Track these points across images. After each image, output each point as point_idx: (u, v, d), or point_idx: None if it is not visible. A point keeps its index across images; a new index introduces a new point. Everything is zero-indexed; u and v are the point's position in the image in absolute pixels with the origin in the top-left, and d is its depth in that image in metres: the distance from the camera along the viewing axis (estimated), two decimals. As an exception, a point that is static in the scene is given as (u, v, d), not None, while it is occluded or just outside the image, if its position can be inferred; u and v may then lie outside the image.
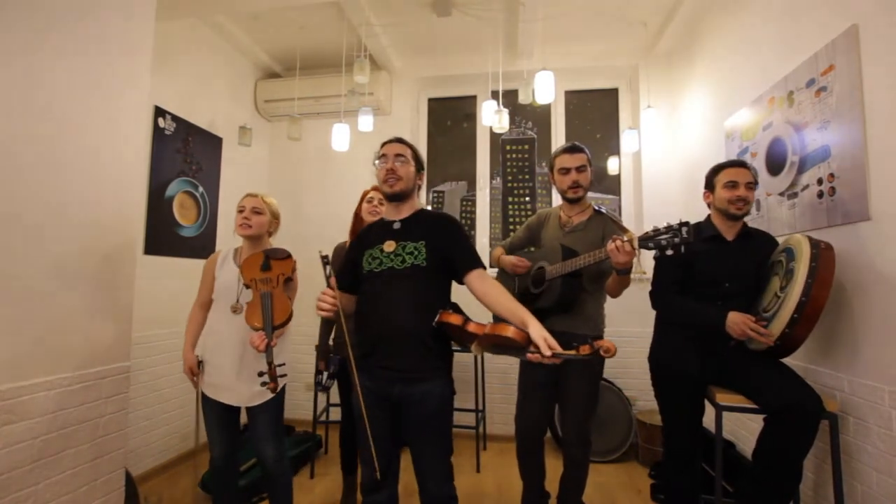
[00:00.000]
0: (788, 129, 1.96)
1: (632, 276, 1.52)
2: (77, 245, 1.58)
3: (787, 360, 1.83)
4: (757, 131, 2.22)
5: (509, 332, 1.23)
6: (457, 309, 1.42)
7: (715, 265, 1.74)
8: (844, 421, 1.63)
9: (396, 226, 1.53)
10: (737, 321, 1.60)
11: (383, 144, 1.55)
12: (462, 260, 1.47)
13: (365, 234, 1.63)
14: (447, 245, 1.48)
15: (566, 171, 1.87)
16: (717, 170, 1.81)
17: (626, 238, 1.50)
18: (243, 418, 1.79)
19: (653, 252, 1.50)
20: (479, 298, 1.44)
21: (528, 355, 1.23)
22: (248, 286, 1.69)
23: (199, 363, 1.80)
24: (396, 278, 1.44)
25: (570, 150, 1.87)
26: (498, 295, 1.40)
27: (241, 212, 1.83)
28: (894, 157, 1.44)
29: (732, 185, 1.73)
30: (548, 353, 1.19)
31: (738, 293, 1.72)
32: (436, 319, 1.38)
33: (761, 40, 2.23)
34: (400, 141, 1.56)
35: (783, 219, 2.00)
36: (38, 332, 1.45)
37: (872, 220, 1.52)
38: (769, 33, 2.16)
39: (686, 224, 1.41)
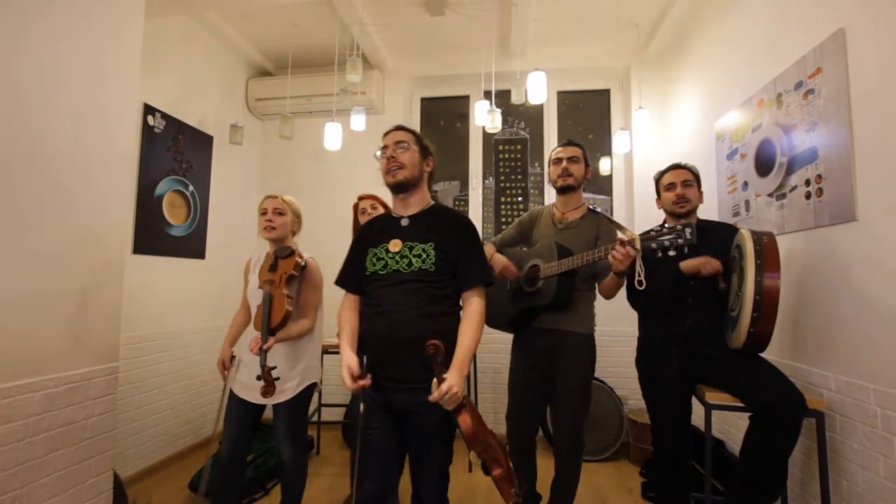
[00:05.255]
0: (777, 130, 1.99)
1: (639, 279, 1.45)
2: (64, 244, 1.55)
3: (774, 359, 1.85)
4: (746, 133, 2.24)
5: (465, 425, 1.26)
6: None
7: (674, 265, 1.76)
8: (831, 418, 1.65)
9: (404, 222, 1.42)
10: (694, 263, 1.68)
11: (384, 135, 1.46)
12: (468, 274, 1.38)
13: (367, 228, 1.52)
14: (458, 252, 1.37)
15: (559, 161, 1.94)
16: (658, 177, 1.94)
17: (627, 238, 1.49)
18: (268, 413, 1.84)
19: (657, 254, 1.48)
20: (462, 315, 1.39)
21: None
22: (261, 288, 1.73)
23: (233, 359, 1.89)
24: (402, 283, 1.34)
25: (565, 144, 1.98)
26: (470, 329, 1.34)
27: (263, 214, 1.85)
28: (880, 158, 1.47)
29: (671, 186, 1.86)
30: (435, 396, 1.22)
31: (704, 288, 1.74)
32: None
33: (751, 43, 2.26)
34: (400, 128, 1.46)
35: (772, 219, 2.03)
36: (24, 333, 1.43)
37: (859, 220, 1.54)
38: (758, 36, 2.19)
39: (689, 225, 1.43)
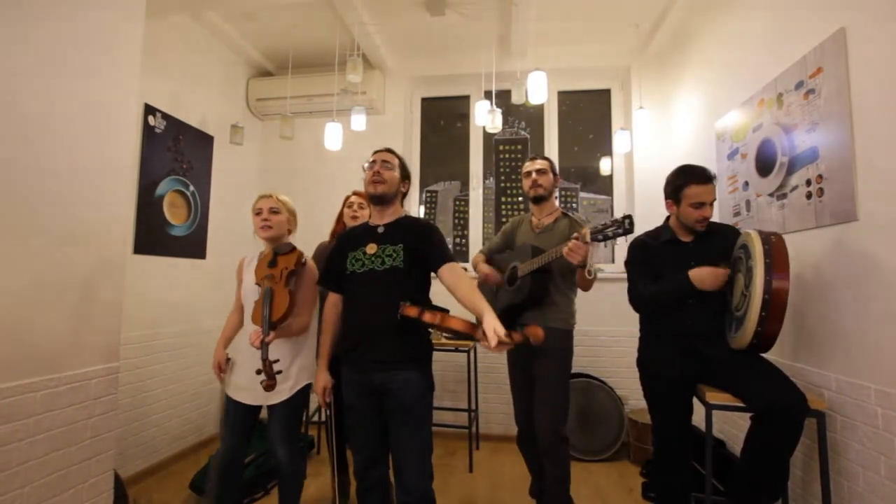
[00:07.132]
0: (778, 130, 1.99)
1: (589, 269, 1.71)
2: (64, 244, 1.55)
3: (775, 359, 1.85)
4: (747, 132, 2.24)
5: (456, 324, 1.37)
6: (427, 305, 1.50)
7: (676, 267, 1.76)
8: (832, 419, 1.65)
9: (380, 230, 1.64)
10: (704, 275, 1.68)
11: (375, 152, 1.68)
12: (433, 257, 1.59)
13: (347, 237, 1.73)
14: (422, 245, 1.59)
15: (529, 174, 2.10)
16: (683, 184, 1.74)
17: (579, 234, 1.68)
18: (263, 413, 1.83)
19: (603, 244, 1.69)
20: (448, 289, 1.53)
21: (481, 343, 1.35)
22: (258, 284, 1.73)
23: (228, 361, 1.87)
24: (377, 278, 1.56)
25: (533, 158, 2.14)
26: (463, 288, 1.49)
27: (258, 214, 1.85)
28: (881, 158, 1.47)
29: (699, 205, 1.72)
30: (493, 343, 1.29)
31: (706, 291, 1.72)
32: (399, 312, 1.45)
33: (751, 43, 2.26)
34: (390, 151, 1.69)
35: (772, 219, 2.02)
36: (25, 333, 1.43)
37: (860, 220, 1.54)
38: (759, 36, 2.18)
39: (628, 216, 1.60)
